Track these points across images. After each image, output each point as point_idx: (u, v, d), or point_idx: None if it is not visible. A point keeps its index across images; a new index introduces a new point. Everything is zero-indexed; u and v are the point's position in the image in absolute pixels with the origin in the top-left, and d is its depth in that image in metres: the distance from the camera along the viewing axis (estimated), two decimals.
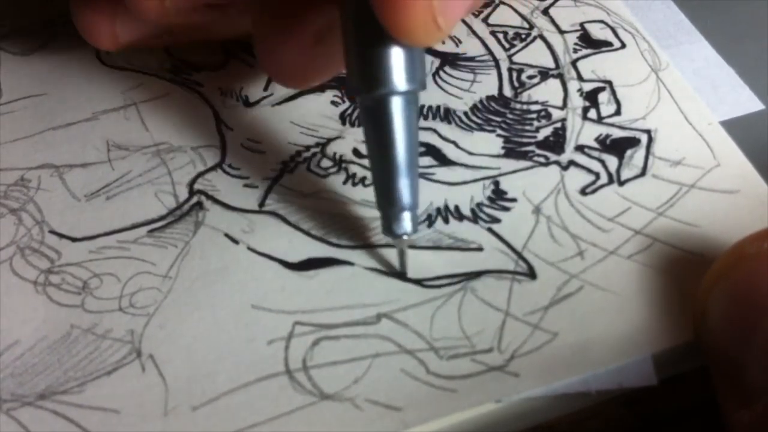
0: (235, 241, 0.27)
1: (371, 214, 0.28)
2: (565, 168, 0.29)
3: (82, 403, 0.23)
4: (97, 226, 0.27)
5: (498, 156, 0.29)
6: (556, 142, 0.30)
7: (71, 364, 0.24)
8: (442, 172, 0.29)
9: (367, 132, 0.25)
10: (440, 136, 0.30)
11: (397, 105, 0.24)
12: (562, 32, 0.34)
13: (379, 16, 0.22)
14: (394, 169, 0.24)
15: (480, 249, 0.27)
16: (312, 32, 0.26)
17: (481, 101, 0.31)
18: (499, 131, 0.30)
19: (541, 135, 0.30)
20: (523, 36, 0.34)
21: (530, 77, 0.32)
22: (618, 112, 0.30)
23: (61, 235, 0.27)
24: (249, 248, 0.27)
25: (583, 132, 0.30)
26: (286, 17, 0.26)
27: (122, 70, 0.33)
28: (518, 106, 0.31)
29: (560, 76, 0.32)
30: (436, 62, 0.33)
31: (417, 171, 0.25)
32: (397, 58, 0.23)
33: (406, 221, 0.25)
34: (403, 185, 0.25)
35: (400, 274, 0.26)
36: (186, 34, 0.31)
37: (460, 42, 0.34)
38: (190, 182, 0.29)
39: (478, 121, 0.31)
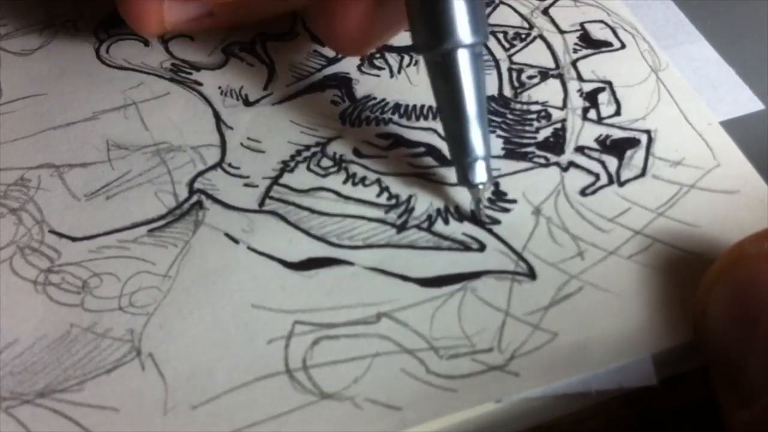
0: (235, 241, 0.27)
1: (371, 214, 0.28)
2: (565, 169, 0.29)
3: (81, 401, 0.23)
4: (97, 226, 0.27)
5: (498, 157, 0.29)
6: (556, 143, 0.30)
7: (71, 362, 0.24)
8: (443, 173, 0.29)
9: (437, 87, 0.26)
10: (440, 136, 0.30)
11: (464, 58, 0.25)
12: (562, 32, 0.34)
13: None
14: (465, 121, 0.26)
15: (480, 250, 0.27)
16: None
17: None
18: (499, 132, 0.30)
19: (541, 136, 0.30)
20: (523, 36, 0.34)
21: (530, 77, 0.32)
22: (618, 113, 0.30)
23: (61, 235, 0.27)
24: (249, 248, 0.27)
25: (583, 132, 0.30)
26: None
27: (122, 69, 0.33)
28: (518, 106, 0.31)
29: (560, 77, 0.32)
30: None
31: (487, 121, 0.26)
32: (460, 11, 0.25)
33: (480, 170, 0.26)
34: (476, 136, 0.26)
35: (405, 277, 0.26)
36: (227, 15, 0.32)
37: None
38: (190, 181, 0.29)
39: None
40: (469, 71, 0.25)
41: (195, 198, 0.28)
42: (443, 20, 0.25)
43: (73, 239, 0.27)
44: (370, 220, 0.28)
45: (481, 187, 0.27)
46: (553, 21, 0.35)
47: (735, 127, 0.28)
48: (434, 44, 0.25)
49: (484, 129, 0.26)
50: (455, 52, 0.25)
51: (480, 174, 0.26)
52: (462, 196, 0.28)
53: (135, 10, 0.30)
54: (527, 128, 0.30)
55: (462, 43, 0.25)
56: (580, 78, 0.32)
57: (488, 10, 0.35)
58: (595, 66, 0.32)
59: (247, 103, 0.32)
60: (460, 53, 0.25)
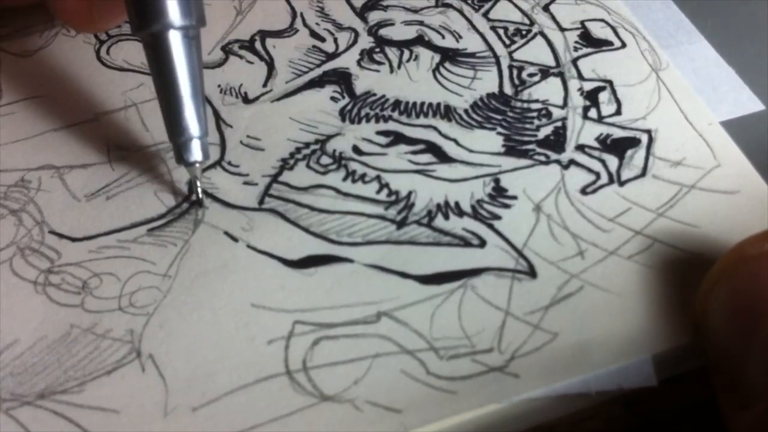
0: (235, 239, 0.27)
1: (371, 210, 0.28)
2: (565, 167, 0.29)
3: (81, 402, 0.23)
4: (97, 226, 0.27)
5: (498, 154, 0.29)
6: (556, 141, 0.30)
7: (71, 363, 0.24)
8: (443, 169, 0.29)
9: (151, 68, 0.27)
10: (440, 133, 0.30)
11: (174, 39, 0.26)
12: (562, 30, 0.34)
13: None
14: (178, 101, 0.26)
15: (481, 245, 0.27)
16: None
17: (481, 99, 0.31)
18: (499, 129, 0.30)
19: (542, 134, 0.30)
20: (524, 32, 0.34)
21: (531, 75, 0.32)
22: (618, 112, 0.30)
23: (61, 236, 0.27)
24: (248, 246, 0.27)
25: (584, 131, 0.30)
26: None
27: (122, 70, 0.33)
28: (519, 104, 0.31)
29: (561, 75, 0.32)
30: (437, 58, 0.33)
31: (202, 101, 0.27)
32: None
33: (195, 149, 0.27)
34: (189, 115, 0.27)
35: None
36: None
37: (461, 37, 0.34)
38: (190, 180, 0.29)
39: (479, 119, 0.31)
40: (181, 53, 0.26)
41: (194, 197, 0.28)
42: (152, 2, 0.26)
43: (73, 240, 0.27)
44: (370, 216, 0.28)
45: (197, 165, 0.27)
46: (553, 18, 0.35)
47: (735, 127, 0.28)
48: (143, 25, 0.26)
49: (198, 109, 0.27)
50: (165, 33, 0.26)
51: (195, 153, 0.27)
52: (462, 193, 0.28)
53: (66, 9, 0.30)
54: (528, 126, 0.30)
55: (172, 24, 0.26)
56: (580, 76, 0.32)
57: (489, 4, 0.35)
58: (596, 65, 0.32)
59: (247, 100, 0.32)
60: (171, 35, 0.26)
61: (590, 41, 0.33)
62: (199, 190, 0.28)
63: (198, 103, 0.27)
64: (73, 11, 0.29)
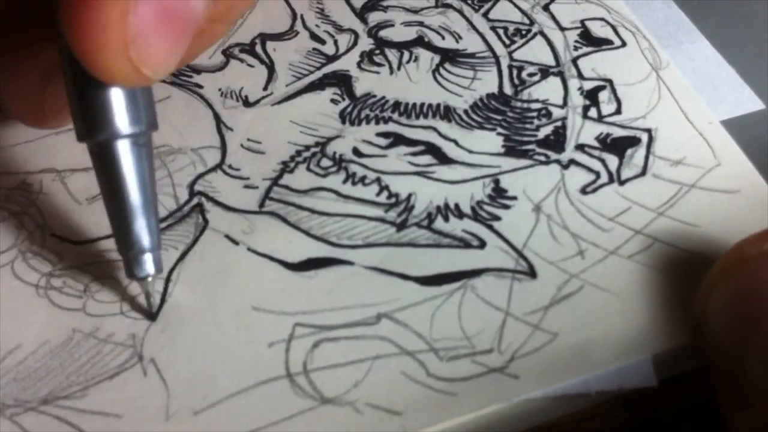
0: (235, 242, 0.27)
1: (371, 213, 0.28)
2: (565, 167, 0.29)
3: (84, 408, 0.23)
4: (98, 230, 0.27)
5: (498, 154, 0.29)
6: (556, 141, 0.30)
7: (73, 368, 0.24)
8: (442, 170, 0.29)
9: (98, 177, 0.24)
10: (440, 134, 0.30)
11: (123, 148, 0.23)
12: (562, 29, 0.34)
13: (76, 53, 0.21)
14: (128, 213, 0.24)
15: (480, 247, 0.27)
16: (39, 70, 0.25)
17: (481, 99, 0.31)
18: (499, 129, 0.30)
19: (542, 133, 0.30)
20: (524, 32, 0.34)
21: (531, 75, 0.32)
22: (618, 111, 0.30)
23: (63, 239, 0.27)
24: (249, 249, 0.27)
25: (584, 131, 0.30)
26: (11, 51, 0.25)
27: None
28: (518, 104, 0.31)
29: (561, 74, 0.32)
30: (437, 59, 0.33)
31: (154, 211, 0.24)
32: (116, 99, 0.23)
33: (147, 263, 0.24)
34: (140, 227, 0.24)
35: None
36: None
37: (461, 38, 0.34)
38: (190, 184, 0.29)
39: (479, 119, 0.31)
40: (130, 162, 0.23)
41: (195, 200, 0.28)
42: (97, 109, 0.23)
43: (75, 243, 0.27)
44: (370, 219, 0.28)
45: (149, 279, 0.25)
46: (553, 17, 0.35)
47: (735, 127, 0.28)
48: (89, 134, 0.23)
49: (149, 219, 0.24)
50: (113, 142, 0.23)
51: (146, 267, 0.24)
52: (462, 194, 0.28)
53: (13, 98, 0.27)
54: (527, 126, 0.30)
55: (120, 133, 0.23)
56: (580, 76, 0.32)
57: (489, 5, 0.35)
58: (596, 64, 0.32)
59: (247, 104, 0.32)
60: (120, 144, 0.23)
61: (590, 40, 0.33)
62: (154, 303, 0.26)
63: (149, 214, 0.24)
64: (24, 106, 0.27)
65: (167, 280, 0.26)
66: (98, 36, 0.20)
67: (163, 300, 0.26)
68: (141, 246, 0.24)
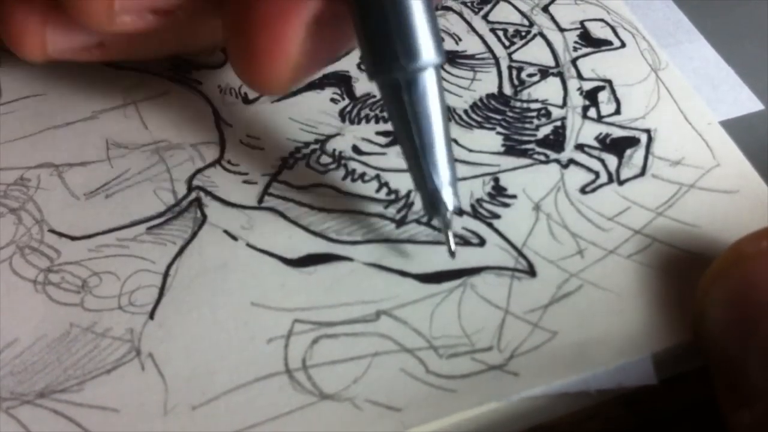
0: (234, 238, 0.27)
1: (371, 209, 0.28)
2: (565, 166, 0.29)
3: (81, 401, 0.23)
4: (96, 225, 0.27)
5: (498, 153, 0.29)
6: (556, 141, 0.30)
7: (71, 362, 0.24)
8: None
9: (394, 114, 0.24)
10: None
11: (426, 81, 0.23)
12: (562, 30, 0.34)
13: None
14: (429, 147, 0.24)
15: (480, 244, 0.27)
16: (301, 28, 0.24)
17: (481, 99, 0.31)
18: (499, 129, 0.30)
19: (541, 133, 0.30)
20: (523, 33, 0.34)
21: (530, 75, 0.32)
22: (618, 111, 0.30)
23: (61, 234, 0.27)
24: (248, 245, 0.27)
25: (583, 131, 0.30)
26: (268, 16, 0.24)
27: (122, 69, 0.33)
28: (518, 104, 0.31)
29: (560, 75, 0.32)
30: None
31: (451, 145, 0.24)
32: (422, 29, 0.22)
33: (448, 198, 0.25)
34: (441, 162, 0.24)
35: (403, 273, 0.26)
36: (120, 48, 0.29)
37: (460, 40, 0.34)
38: (189, 179, 0.29)
39: (478, 119, 0.31)
40: (431, 95, 0.23)
41: (194, 195, 0.28)
42: (409, 36, 0.22)
43: (73, 238, 0.27)
44: (370, 215, 0.28)
45: (449, 215, 0.25)
46: (553, 18, 0.35)
47: (735, 127, 0.28)
48: (390, 69, 0.23)
49: (449, 154, 0.24)
50: (415, 75, 0.23)
51: (449, 201, 0.25)
52: (461, 192, 0.28)
53: (14, 33, 0.27)
54: (527, 126, 0.30)
55: (431, 62, 0.23)
56: (580, 76, 0.32)
57: (488, 6, 0.35)
58: (595, 64, 0.32)
59: (247, 101, 0.32)
60: (421, 77, 0.23)
61: (589, 41, 0.33)
62: (452, 240, 0.25)
63: (449, 149, 0.24)
64: (20, 33, 0.26)
65: (165, 275, 0.26)
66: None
67: (160, 295, 0.26)
68: (442, 181, 0.24)
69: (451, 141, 0.24)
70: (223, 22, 0.25)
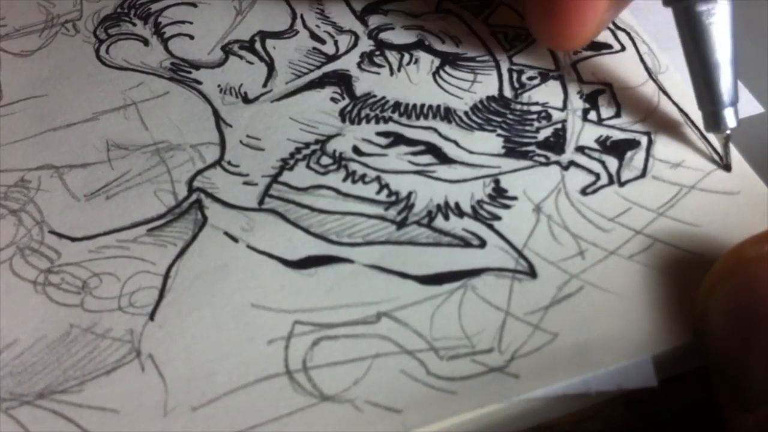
0: (235, 239, 0.27)
1: (371, 211, 0.28)
2: (565, 168, 0.29)
3: (81, 402, 0.23)
4: (97, 226, 0.27)
5: (498, 155, 0.29)
6: (556, 143, 0.30)
7: (70, 363, 0.24)
8: (443, 170, 0.29)
9: (691, 37, 0.27)
10: (440, 134, 0.30)
11: (722, 8, 0.27)
12: None
13: None
14: (717, 70, 0.27)
15: (481, 246, 0.27)
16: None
17: (481, 101, 0.31)
18: (499, 131, 0.30)
19: (542, 135, 0.30)
20: (524, 36, 0.34)
21: (530, 78, 0.32)
22: (618, 114, 0.30)
23: (61, 235, 0.27)
24: (248, 246, 0.27)
25: (584, 133, 0.30)
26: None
27: (122, 69, 0.33)
28: (518, 106, 0.31)
29: (560, 78, 0.32)
30: (437, 61, 0.33)
31: (736, 70, 0.27)
32: None
33: (729, 117, 0.28)
34: (726, 84, 0.27)
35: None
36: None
37: (461, 42, 0.34)
38: (189, 180, 0.29)
39: (479, 120, 0.31)
40: (727, 22, 0.27)
41: (194, 196, 0.28)
42: None
43: (73, 239, 0.27)
44: (370, 217, 0.28)
45: (728, 132, 0.28)
46: None
47: (735, 130, 0.28)
48: None
49: (735, 76, 0.27)
50: (717, 3, 0.26)
51: (729, 120, 0.27)
52: (462, 193, 0.28)
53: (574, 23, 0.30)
54: (527, 128, 0.30)
55: None
56: (580, 80, 0.32)
57: (489, 10, 0.35)
58: (595, 68, 0.32)
59: (247, 100, 0.32)
60: (720, 4, 0.27)
61: (590, 45, 0.33)
62: (731, 155, 0.28)
63: (735, 71, 0.27)
64: (580, 35, 0.30)
65: (165, 276, 0.26)
66: None
67: (161, 296, 0.26)
68: (725, 101, 0.27)
69: (737, 65, 0.27)
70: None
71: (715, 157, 0.29)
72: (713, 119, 0.28)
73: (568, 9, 0.29)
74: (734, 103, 0.27)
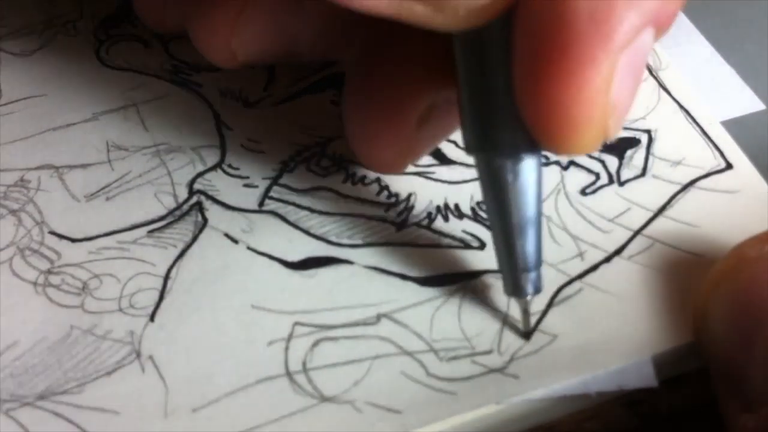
0: (235, 241, 0.27)
1: (371, 212, 0.28)
2: (565, 168, 0.29)
3: (81, 403, 0.23)
4: (97, 227, 0.27)
5: None
6: None
7: (71, 364, 0.24)
8: (442, 171, 0.29)
9: (491, 192, 0.23)
10: None
11: (528, 166, 0.22)
12: None
13: (535, 129, 0.20)
14: (518, 231, 0.23)
15: (480, 247, 0.27)
16: (415, 117, 0.24)
17: None
18: None
19: None
20: None
21: None
22: None
23: (61, 236, 0.27)
24: (249, 248, 0.27)
25: None
26: (385, 104, 0.25)
27: (122, 70, 0.33)
28: None
29: None
30: None
31: (541, 230, 0.24)
32: None
33: (531, 283, 0.24)
34: (529, 246, 0.23)
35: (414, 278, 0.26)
36: (312, 49, 0.28)
37: None
38: (190, 182, 0.29)
39: None
40: (531, 180, 0.22)
41: (195, 199, 0.28)
42: (511, 128, 0.21)
43: (73, 240, 0.27)
44: (370, 218, 0.28)
45: (529, 298, 0.24)
46: None
47: (735, 128, 0.28)
48: (495, 148, 0.22)
49: (538, 239, 0.23)
50: (520, 158, 0.22)
51: (530, 286, 0.24)
52: (462, 195, 0.28)
53: (204, 41, 0.27)
54: None
55: (528, 150, 0.22)
56: None
57: None
58: None
59: (247, 104, 0.32)
60: (525, 162, 0.22)
61: None
62: (529, 321, 0.25)
63: (539, 234, 0.23)
64: (387, 157, 0.26)
65: (165, 278, 0.26)
66: (579, 112, 0.19)
67: (161, 297, 0.26)
68: (527, 264, 0.23)
69: (540, 228, 0.23)
70: (344, 103, 0.27)
71: (713, 160, 0.29)
72: (511, 284, 0.24)
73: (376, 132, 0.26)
74: (536, 267, 0.24)
